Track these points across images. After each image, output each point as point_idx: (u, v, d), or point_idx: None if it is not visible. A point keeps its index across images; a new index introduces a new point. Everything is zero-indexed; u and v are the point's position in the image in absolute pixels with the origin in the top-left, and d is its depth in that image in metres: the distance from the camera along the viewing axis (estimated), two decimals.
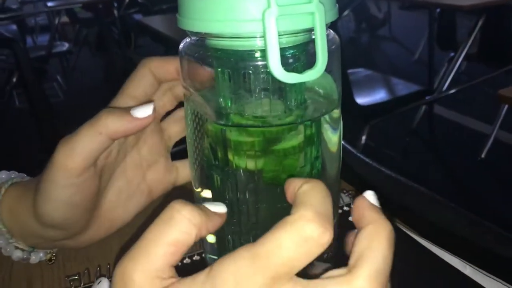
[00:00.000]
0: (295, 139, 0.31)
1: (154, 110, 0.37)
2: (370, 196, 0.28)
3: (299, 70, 0.28)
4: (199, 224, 0.26)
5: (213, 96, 0.31)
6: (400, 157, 2.41)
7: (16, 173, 0.45)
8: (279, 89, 0.30)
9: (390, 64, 3.85)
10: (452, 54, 2.54)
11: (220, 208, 0.28)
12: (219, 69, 0.30)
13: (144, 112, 0.36)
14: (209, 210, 0.27)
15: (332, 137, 0.34)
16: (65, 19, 4.18)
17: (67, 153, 0.36)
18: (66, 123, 1.85)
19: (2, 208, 0.42)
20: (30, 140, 2.02)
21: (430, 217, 0.49)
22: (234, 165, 0.31)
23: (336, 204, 0.37)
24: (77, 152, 0.36)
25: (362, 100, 2.05)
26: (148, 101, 0.39)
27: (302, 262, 0.23)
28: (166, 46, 2.63)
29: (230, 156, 0.31)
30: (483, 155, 2.31)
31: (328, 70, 0.29)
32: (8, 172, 0.45)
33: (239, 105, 0.30)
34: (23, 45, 3.60)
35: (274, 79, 0.29)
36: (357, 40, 4.56)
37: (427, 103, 2.51)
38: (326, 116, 0.32)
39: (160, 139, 0.43)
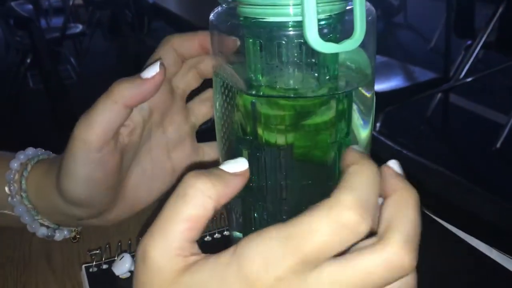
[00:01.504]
0: (326, 114, 0.30)
1: (162, 66, 0.36)
2: (394, 164, 0.26)
3: (335, 41, 0.27)
4: (215, 195, 0.25)
5: (244, 67, 0.30)
6: (414, 145, 2.39)
7: (43, 150, 0.45)
8: (312, 61, 0.29)
9: (405, 52, 3.81)
10: (469, 42, 2.50)
11: (239, 166, 0.26)
12: (251, 40, 0.29)
13: (152, 71, 0.36)
14: (227, 174, 0.26)
15: (363, 127, 0.33)
16: (78, 1, 4.18)
17: (86, 126, 0.36)
18: (80, 104, 1.85)
19: (28, 184, 0.42)
20: (44, 121, 2.03)
21: (455, 200, 0.48)
22: (263, 140, 0.31)
23: None
24: (95, 124, 0.35)
25: (376, 87, 2.01)
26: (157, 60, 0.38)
27: (334, 249, 0.22)
28: (180, 29, 2.61)
29: (259, 131, 0.31)
30: (498, 145, 2.28)
31: (362, 44, 0.28)
32: (35, 149, 0.44)
33: (270, 76, 0.29)
34: (39, 26, 3.60)
35: (307, 51, 0.28)
36: None
37: (443, 92, 2.47)
38: (359, 102, 0.32)
39: (185, 118, 0.43)
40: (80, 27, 3.63)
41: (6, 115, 2.86)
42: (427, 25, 4.04)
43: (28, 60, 2.82)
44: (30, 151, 0.44)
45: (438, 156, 2.30)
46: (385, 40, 4.08)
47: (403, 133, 2.48)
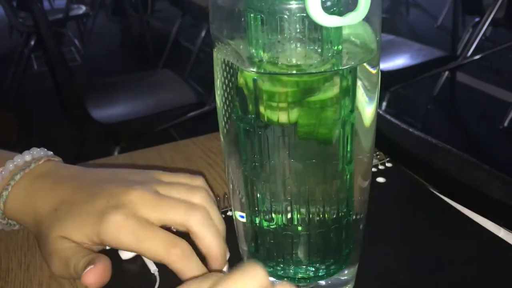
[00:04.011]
0: (331, 91, 0.29)
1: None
2: None
3: (339, 14, 0.26)
4: None
5: (245, 43, 0.29)
6: (421, 125, 2.38)
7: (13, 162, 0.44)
8: (315, 36, 0.28)
9: (412, 30, 3.77)
10: (477, 19, 2.46)
11: None
12: (252, 14, 0.28)
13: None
14: None
15: (368, 104, 0.32)
16: None
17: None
18: (84, 87, 1.85)
19: (7, 210, 0.43)
20: (49, 104, 2.03)
21: (462, 178, 0.47)
22: (265, 118, 0.30)
23: (370, 165, 0.36)
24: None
25: (382, 65, 2.00)
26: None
27: None
28: (184, 9, 2.59)
29: (261, 108, 0.30)
30: (505, 124, 2.26)
31: (367, 17, 0.27)
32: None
33: (272, 52, 0.29)
34: (41, 7, 3.58)
35: (310, 25, 0.28)
36: None
37: (450, 70, 2.45)
38: (363, 78, 0.31)
39: None
40: (83, 8, 3.60)
41: (11, 97, 2.86)
42: (434, 2, 3.98)
43: (32, 42, 2.81)
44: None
45: (445, 135, 2.28)
46: (392, 19, 4.03)
47: (410, 113, 2.47)
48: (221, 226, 0.40)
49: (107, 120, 1.62)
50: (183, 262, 0.36)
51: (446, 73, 2.47)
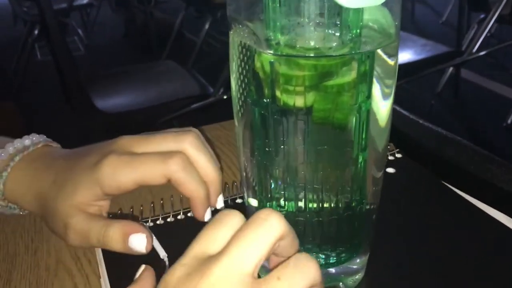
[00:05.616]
0: (348, 75, 0.29)
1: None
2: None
3: None
4: None
5: (262, 25, 0.29)
6: (424, 120, 2.36)
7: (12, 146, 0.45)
8: (334, 19, 0.28)
9: (417, 26, 3.75)
10: (482, 15, 2.45)
11: None
12: None
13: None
14: None
15: (385, 99, 0.32)
16: None
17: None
18: (88, 77, 1.84)
19: (6, 190, 0.43)
20: (53, 94, 2.03)
21: (473, 170, 0.47)
22: (281, 102, 0.29)
23: (384, 156, 0.35)
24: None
25: None
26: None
27: None
28: (188, 1, 2.58)
29: (278, 92, 0.29)
30: (509, 121, 2.26)
31: (386, 2, 0.27)
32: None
33: (290, 35, 0.28)
34: None
35: (330, 7, 0.27)
36: None
37: (454, 66, 2.43)
38: (380, 71, 0.30)
39: None
40: None
41: (14, 86, 2.86)
42: None
43: (36, 32, 2.80)
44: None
45: (448, 131, 2.27)
46: None
47: (414, 108, 2.46)
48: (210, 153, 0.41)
49: (111, 110, 1.62)
50: (185, 171, 0.37)
51: (451, 69, 2.47)
